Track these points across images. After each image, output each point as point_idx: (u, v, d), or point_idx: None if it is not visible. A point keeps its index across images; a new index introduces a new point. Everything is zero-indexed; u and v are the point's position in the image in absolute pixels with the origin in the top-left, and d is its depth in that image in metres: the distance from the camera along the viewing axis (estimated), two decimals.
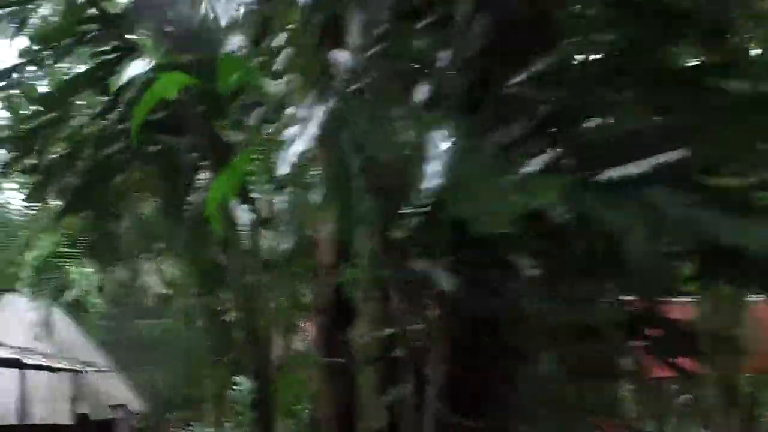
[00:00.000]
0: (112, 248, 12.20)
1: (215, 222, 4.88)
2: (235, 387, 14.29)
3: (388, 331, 4.58)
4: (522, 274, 3.88)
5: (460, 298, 3.86)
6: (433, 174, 3.08)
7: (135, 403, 26.86)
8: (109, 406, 23.99)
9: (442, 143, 3.15)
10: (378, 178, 3.68)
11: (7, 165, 9.96)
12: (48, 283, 12.05)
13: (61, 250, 11.62)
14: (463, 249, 3.81)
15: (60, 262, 11.88)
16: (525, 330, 4.11)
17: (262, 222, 10.69)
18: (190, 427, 25.27)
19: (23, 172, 10.54)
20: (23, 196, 12.06)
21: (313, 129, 3.42)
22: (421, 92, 3.69)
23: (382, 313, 4.61)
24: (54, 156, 9.79)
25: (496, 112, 3.69)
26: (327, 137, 3.48)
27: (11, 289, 25.43)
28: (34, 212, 12.72)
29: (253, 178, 6.44)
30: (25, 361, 13.30)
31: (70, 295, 21.82)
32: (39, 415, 20.74)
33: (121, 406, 25.37)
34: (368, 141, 3.52)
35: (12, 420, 19.31)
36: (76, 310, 31.30)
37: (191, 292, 13.70)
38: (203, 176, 9.78)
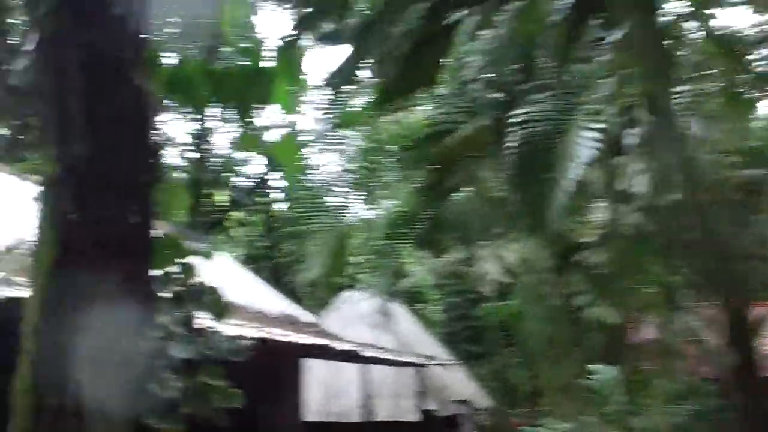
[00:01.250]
0: (449, 229, 10.74)
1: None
2: (590, 376, 11.92)
3: None
4: None
5: None
6: None
7: (479, 397, 25.92)
8: (454, 401, 23.13)
9: None
10: None
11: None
12: (383, 272, 10.77)
13: (395, 233, 10.32)
14: None
15: (393, 248, 10.53)
16: None
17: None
18: (539, 423, 23.27)
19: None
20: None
21: None
22: None
23: None
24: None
25: None
26: None
27: (350, 285, 25.75)
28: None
29: None
30: (365, 354, 12.30)
31: (405, 284, 21.03)
32: (383, 412, 20.09)
33: (466, 401, 24.47)
34: None
35: (355, 417, 18.73)
36: (413, 300, 31.25)
37: (538, 276, 11.81)
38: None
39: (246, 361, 13.13)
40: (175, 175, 28.22)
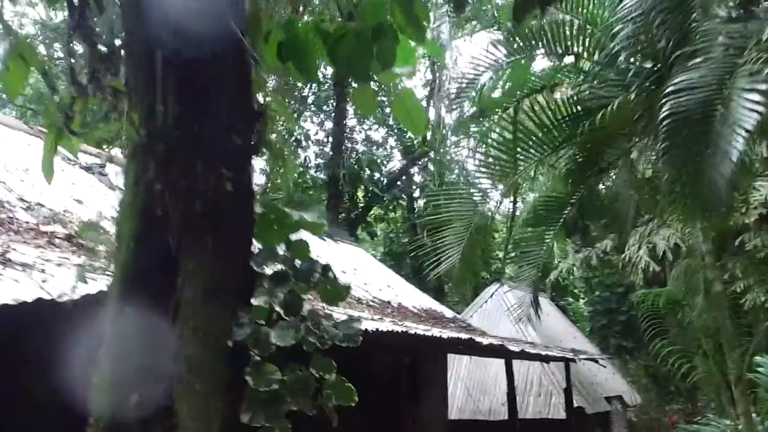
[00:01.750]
0: (599, 215, 10.10)
1: None
2: (759, 369, 10.85)
3: None
4: None
5: None
6: None
7: (631, 393, 24.85)
8: (605, 397, 22.23)
9: None
10: None
11: None
12: (528, 264, 10.22)
13: (541, 221, 9.78)
14: None
15: (540, 237, 9.97)
16: None
17: None
18: (696, 420, 22.03)
19: None
20: None
21: None
22: None
23: None
24: None
25: None
26: None
27: (496, 279, 25.27)
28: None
29: None
30: (510, 348, 11.80)
31: (552, 277, 20.32)
32: (532, 409, 19.47)
33: (617, 397, 23.51)
34: None
35: (501, 415, 18.19)
36: (561, 293, 30.40)
37: (697, 261, 10.92)
38: None
39: (389, 356, 13.10)
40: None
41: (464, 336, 10.10)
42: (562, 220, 9.94)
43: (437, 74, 26.09)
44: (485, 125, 9.18)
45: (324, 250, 16.88)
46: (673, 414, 25.22)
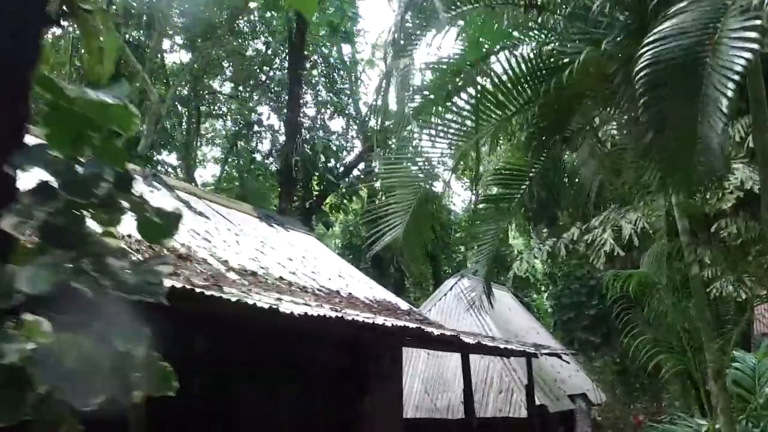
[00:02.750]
0: (563, 192, 9.10)
1: None
2: (734, 364, 9.91)
3: None
4: None
5: None
6: None
7: (595, 391, 24.03)
8: (569, 395, 21.35)
9: None
10: None
11: None
12: (485, 244, 9.19)
13: (500, 198, 8.79)
14: None
15: (498, 214, 8.95)
16: None
17: None
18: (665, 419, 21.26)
19: None
20: None
21: None
22: None
23: None
24: None
25: None
26: None
27: (455, 272, 24.39)
28: None
29: None
30: (467, 341, 10.81)
31: (515, 269, 19.37)
32: (492, 407, 18.52)
33: (581, 395, 22.66)
34: None
35: (458, 414, 17.19)
36: (522, 286, 29.54)
37: (670, 244, 9.99)
38: None
39: (338, 347, 12.07)
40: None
41: (412, 325, 9.04)
42: (520, 195, 8.91)
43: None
44: (436, 85, 8.06)
45: (271, 236, 15.86)
46: (639, 413, 24.49)
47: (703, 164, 5.61)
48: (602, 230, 15.23)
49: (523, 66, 7.72)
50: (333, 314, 7.41)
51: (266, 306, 6.51)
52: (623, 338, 12.05)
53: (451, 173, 8.68)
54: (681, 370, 11.26)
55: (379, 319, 8.50)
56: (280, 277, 11.98)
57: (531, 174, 8.92)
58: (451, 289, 21.69)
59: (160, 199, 12.55)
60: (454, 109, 8.14)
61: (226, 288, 7.00)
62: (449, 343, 11.39)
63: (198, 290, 5.98)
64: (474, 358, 17.90)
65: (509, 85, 7.77)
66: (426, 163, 8.13)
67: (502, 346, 12.84)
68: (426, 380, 19.66)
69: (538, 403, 17.76)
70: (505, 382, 18.95)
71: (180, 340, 9.41)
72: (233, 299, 6.31)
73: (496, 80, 7.85)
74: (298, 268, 13.88)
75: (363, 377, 10.44)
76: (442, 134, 7.99)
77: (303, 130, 25.58)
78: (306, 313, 6.89)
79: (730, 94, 5.13)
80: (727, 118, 5.14)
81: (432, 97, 7.84)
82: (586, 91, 7.69)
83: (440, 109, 8.31)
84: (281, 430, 10.04)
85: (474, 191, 34.76)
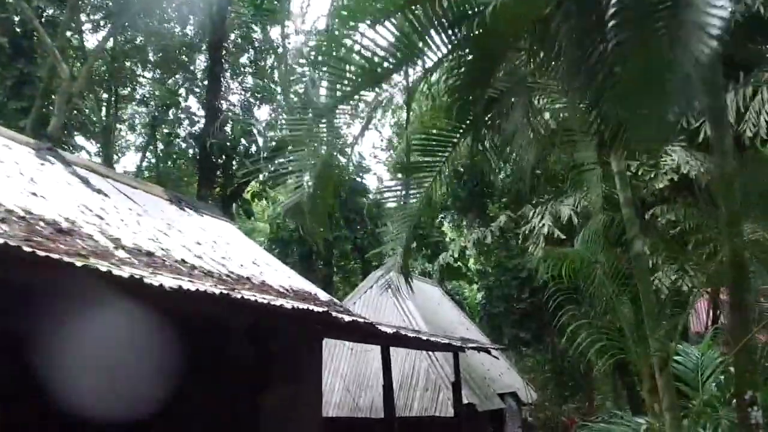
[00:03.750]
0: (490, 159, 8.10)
1: None
2: (676, 358, 9.02)
3: None
4: None
5: None
6: None
7: (525, 389, 23.29)
8: (498, 394, 20.51)
9: None
10: None
11: None
12: (402, 222, 8.17)
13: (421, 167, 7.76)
14: None
15: (417, 184, 7.93)
16: None
17: None
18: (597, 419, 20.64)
19: None
20: None
21: None
22: None
23: None
24: None
25: None
26: None
27: (381, 265, 23.34)
28: None
29: None
30: (384, 329, 9.82)
31: (442, 259, 18.46)
32: (417, 405, 17.56)
33: (511, 393, 21.87)
34: None
35: (382, 413, 16.20)
36: (453, 277, 28.72)
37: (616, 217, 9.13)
38: None
39: (243, 340, 10.90)
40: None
41: (317, 309, 7.96)
42: (442, 163, 7.92)
43: None
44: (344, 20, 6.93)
45: (180, 219, 14.63)
46: (571, 413, 23.88)
47: (676, 100, 4.64)
48: (540, 217, 14.46)
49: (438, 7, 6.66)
50: (216, 291, 6.28)
51: (126, 275, 5.35)
52: (557, 331, 11.25)
53: (361, 134, 7.61)
54: (612, 369, 10.46)
55: (278, 301, 7.40)
56: (182, 260, 10.76)
57: (454, 140, 7.94)
58: (377, 281, 20.65)
59: (52, 173, 11.31)
60: (363, 53, 6.97)
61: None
62: (368, 334, 10.35)
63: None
64: (398, 355, 16.93)
65: (423, 28, 6.70)
66: (329, 119, 7.05)
67: (424, 338, 11.83)
68: (348, 378, 18.62)
69: (466, 401, 16.89)
70: (431, 380, 17.99)
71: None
72: (78, 264, 5.15)
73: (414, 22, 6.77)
74: (206, 252, 12.66)
75: (265, 371, 9.28)
76: (348, 86, 6.89)
77: (224, 114, 24.30)
78: (181, 287, 5.75)
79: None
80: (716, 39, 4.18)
81: (338, 35, 6.74)
82: (515, 37, 6.71)
83: (346, 53, 7.16)
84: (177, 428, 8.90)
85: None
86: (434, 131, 8.15)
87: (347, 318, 8.56)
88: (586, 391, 25.12)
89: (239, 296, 6.43)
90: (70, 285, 5.93)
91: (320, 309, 8.03)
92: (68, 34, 23.40)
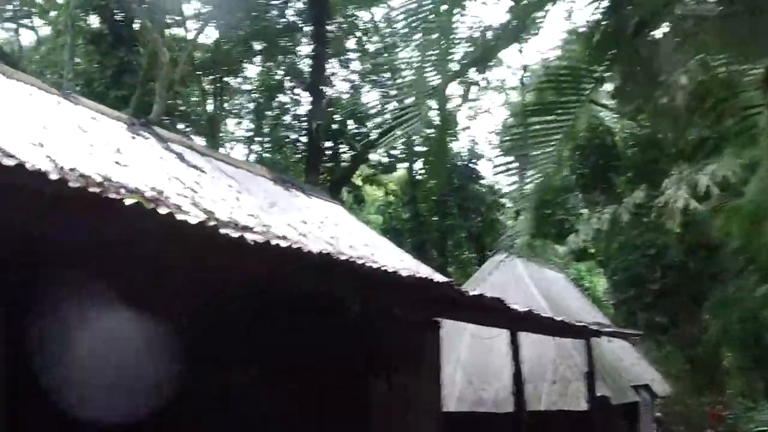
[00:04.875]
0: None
1: None
2: None
3: None
4: None
5: None
6: None
7: (660, 382, 21.50)
8: (632, 386, 18.86)
9: None
10: None
11: None
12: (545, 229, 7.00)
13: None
14: None
15: (545, 134, 6.62)
16: None
17: None
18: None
19: None
20: None
21: None
22: None
23: None
24: None
25: None
26: None
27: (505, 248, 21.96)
28: None
29: None
30: (516, 308, 8.62)
31: (573, 242, 16.93)
32: (546, 399, 16.13)
33: (644, 386, 20.16)
34: None
35: (509, 407, 14.82)
36: (581, 259, 27.03)
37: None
38: None
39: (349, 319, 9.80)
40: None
41: (440, 279, 6.78)
42: (581, 102, 6.58)
43: None
44: None
45: (285, 198, 13.73)
46: (713, 406, 21.98)
47: None
48: (676, 188, 12.93)
49: None
50: (320, 250, 5.18)
51: (193, 221, 4.30)
52: (695, 315, 9.84)
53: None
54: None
55: (392, 270, 6.25)
56: (284, 236, 9.83)
57: (596, 75, 6.58)
58: (496, 267, 19.32)
59: (142, 146, 10.57)
60: None
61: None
62: (494, 313, 9.08)
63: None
64: (523, 344, 15.57)
65: None
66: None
67: (558, 319, 10.47)
68: (470, 369, 17.34)
69: (598, 394, 15.41)
70: (560, 371, 16.58)
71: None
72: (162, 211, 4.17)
73: None
74: (312, 231, 11.71)
75: (376, 357, 8.10)
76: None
77: (329, 97, 23.48)
78: (279, 245, 4.68)
79: None
80: None
81: None
82: None
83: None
84: (275, 418, 7.87)
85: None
86: (571, 64, 6.81)
87: (474, 292, 7.35)
88: (718, 384, 23.17)
89: (346, 258, 5.32)
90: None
91: (442, 279, 6.85)
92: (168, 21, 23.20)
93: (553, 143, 6.85)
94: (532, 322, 10.11)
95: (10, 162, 3.57)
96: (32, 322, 5.79)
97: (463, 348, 17.51)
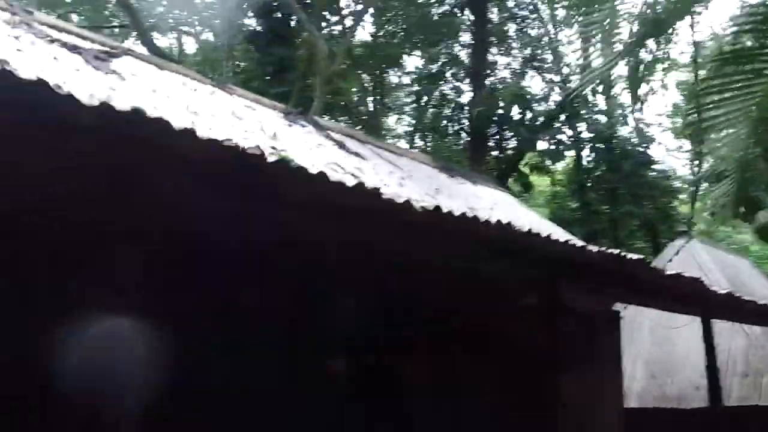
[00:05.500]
0: None
1: None
2: None
3: None
4: None
5: None
6: None
7: None
8: None
9: None
10: None
11: None
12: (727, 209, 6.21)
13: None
14: None
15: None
16: None
17: None
18: None
19: None
20: None
21: None
22: None
23: None
24: None
25: None
26: None
27: (684, 231, 20.76)
28: None
29: None
30: (714, 289, 7.77)
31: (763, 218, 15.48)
32: (737, 394, 14.91)
33: None
34: None
35: (697, 402, 13.73)
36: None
37: None
38: None
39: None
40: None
41: (632, 255, 6.14)
42: None
43: None
44: None
45: (451, 185, 13.30)
46: None
47: None
48: None
49: None
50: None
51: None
52: None
53: None
54: None
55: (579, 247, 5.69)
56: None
57: None
58: (677, 253, 18.13)
59: (300, 134, 10.45)
60: None
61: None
62: (688, 297, 8.26)
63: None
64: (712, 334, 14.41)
65: None
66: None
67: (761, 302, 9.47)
68: (651, 363, 16.31)
69: None
70: (751, 363, 15.29)
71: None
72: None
73: None
74: (482, 216, 11.26)
75: (560, 351, 7.44)
76: None
77: (491, 83, 22.85)
78: (451, 211, 4.32)
79: None
80: None
81: None
82: None
83: None
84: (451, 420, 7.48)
85: None
86: None
87: (670, 272, 6.65)
88: None
89: (526, 230, 4.85)
90: None
91: (634, 256, 6.21)
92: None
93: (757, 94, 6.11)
94: (732, 308, 9.12)
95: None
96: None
97: (643, 339, 16.48)
